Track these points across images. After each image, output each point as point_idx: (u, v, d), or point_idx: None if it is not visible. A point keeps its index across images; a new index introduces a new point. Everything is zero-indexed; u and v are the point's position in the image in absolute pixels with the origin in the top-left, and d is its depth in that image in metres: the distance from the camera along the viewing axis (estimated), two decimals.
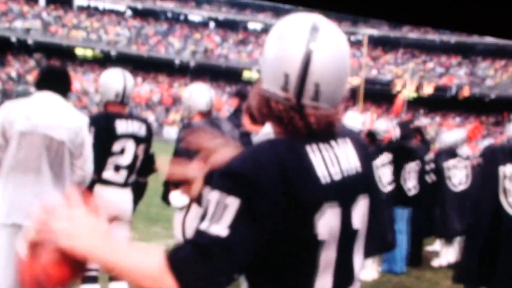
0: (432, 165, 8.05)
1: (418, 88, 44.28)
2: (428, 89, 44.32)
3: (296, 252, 1.44)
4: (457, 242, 7.81)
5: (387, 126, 7.21)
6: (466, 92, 43.21)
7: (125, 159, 4.34)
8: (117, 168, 4.28)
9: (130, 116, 4.48)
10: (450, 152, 7.93)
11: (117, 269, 1.37)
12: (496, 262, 4.84)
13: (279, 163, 1.40)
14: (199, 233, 1.36)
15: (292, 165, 1.42)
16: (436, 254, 8.50)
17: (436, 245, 8.84)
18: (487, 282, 4.96)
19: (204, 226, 1.36)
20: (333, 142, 1.54)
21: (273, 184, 1.37)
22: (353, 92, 42.54)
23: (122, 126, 4.27)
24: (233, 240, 1.33)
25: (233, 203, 1.35)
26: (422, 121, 38.58)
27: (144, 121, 4.61)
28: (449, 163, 7.83)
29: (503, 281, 4.88)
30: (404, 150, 7.18)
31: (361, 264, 1.63)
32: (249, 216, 1.34)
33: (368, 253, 6.24)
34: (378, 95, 44.02)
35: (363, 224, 1.60)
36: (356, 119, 6.53)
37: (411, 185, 7.27)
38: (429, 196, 8.09)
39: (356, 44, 46.46)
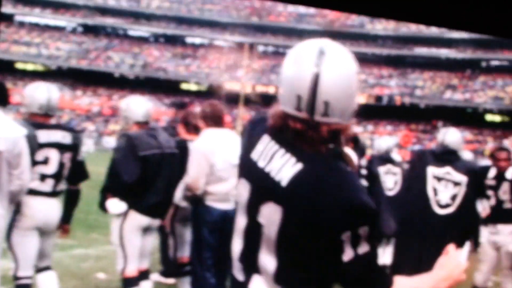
0: (365, 171, 8.22)
1: None
2: (360, 99, 45.19)
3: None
4: (389, 244, 8.02)
5: None
6: (397, 102, 44.43)
7: (50, 168, 4.27)
8: (42, 177, 4.21)
9: (54, 126, 4.41)
10: (383, 158, 8.12)
11: None
12: (423, 259, 4.98)
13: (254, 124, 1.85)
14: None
15: (251, 134, 1.80)
16: None
17: None
18: None
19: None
20: (282, 149, 1.68)
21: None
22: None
23: (44, 135, 4.20)
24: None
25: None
26: (355, 129, 39.36)
27: (71, 129, 4.54)
28: (382, 169, 8.01)
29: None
30: (337, 156, 7.31)
31: (269, 264, 1.68)
32: None
33: None
34: None
35: (270, 227, 1.66)
36: None
37: None
38: None
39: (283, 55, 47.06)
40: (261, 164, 1.69)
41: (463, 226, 5.27)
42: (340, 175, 1.67)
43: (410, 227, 5.22)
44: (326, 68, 1.60)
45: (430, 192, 5.20)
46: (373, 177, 7.97)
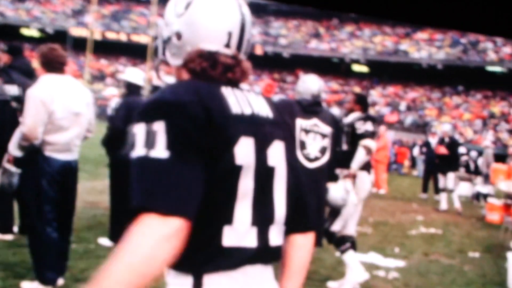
0: None
1: None
2: None
3: (216, 179, 1.59)
4: None
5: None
6: (259, 51, 45.29)
7: None
8: None
9: None
10: None
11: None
12: None
13: (197, 92, 1.61)
14: (140, 162, 1.49)
15: (210, 97, 1.63)
16: None
17: None
18: None
19: (141, 153, 1.49)
20: (244, 89, 1.79)
21: (193, 106, 1.56)
22: (142, 50, 42.63)
23: None
24: (174, 159, 1.49)
25: (159, 127, 1.51)
26: None
27: None
28: None
29: None
30: None
31: (283, 207, 1.78)
32: (178, 134, 1.51)
33: None
34: None
35: (280, 167, 1.78)
36: (137, 75, 6.67)
37: None
38: None
39: (145, 3, 46.42)
40: (247, 111, 1.71)
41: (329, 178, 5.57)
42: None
43: None
44: (244, 8, 1.82)
45: (298, 146, 5.26)
46: None
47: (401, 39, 45.44)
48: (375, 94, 43.71)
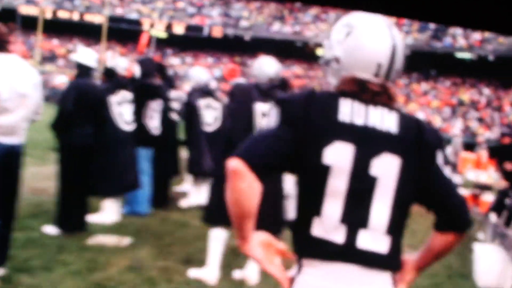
0: (177, 104, 8.55)
1: (168, 27, 45.33)
2: (178, 29, 45.53)
3: (306, 174, 2.03)
4: (207, 183, 8.32)
5: (126, 63, 7.45)
6: (218, 33, 45.20)
7: None
8: None
9: None
10: (203, 91, 8.41)
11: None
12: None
13: (309, 97, 2.06)
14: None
15: (318, 102, 2.04)
16: (184, 195, 9.11)
17: (185, 186, 9.46)
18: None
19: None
20: (370, 104, 2.07)
21: (298, 105, 2.03)
22: (96, 30, 42.19)
23: None
24: (274, 127, 2.04)
25: (275, 112, 2.08)
26: (172, 60, 39.70)
27: None
28: (202, 102, 8.31)
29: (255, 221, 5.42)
30: (145, 88, 7.56)
31: (386, 218, 2.04)
32: (283, 118, 2.03)
33: (106, 194, 6.51)
34: (124, 34, 44.25)
35: (387, 178, 2.03)
36: (90, 56, 6.60)
37: (154, 124, 7.68)
38: (175, 135, 8.63)
39: None
40: (358, 122, 2.02)
41: None
42: (417, 116, 2.26)
43: None
44: (397, 40, 2.13)
45: (257, 130, 5.26)
46: (191, 111, 8.28)
47: None
48: None
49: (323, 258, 2.00)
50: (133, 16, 47.04)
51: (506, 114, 36.35)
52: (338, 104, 2.03)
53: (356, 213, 2.01)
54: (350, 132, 2.00)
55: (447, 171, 2.13)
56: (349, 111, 2.03)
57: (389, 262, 2.06)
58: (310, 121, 2.00)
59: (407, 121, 2.11)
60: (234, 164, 1.95)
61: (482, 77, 40.11)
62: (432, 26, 42.06)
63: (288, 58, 45.26)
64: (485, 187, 12.29)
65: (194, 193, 8.75)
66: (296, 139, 1.99)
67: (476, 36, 40.77)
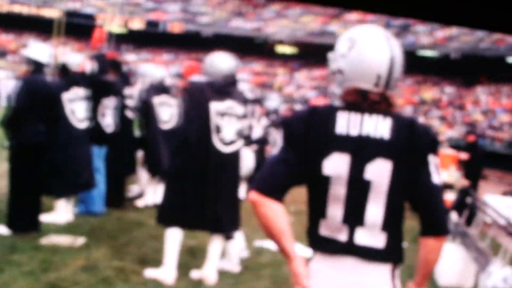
0: (132, 101, 8.54)
1: (126, 23, 45.02)
2: (136, 24, 45.29)
3: (312, 184, 2.41)
4: (162, 182, 8.31)
5: (79, 59, 7.40)
6: (177, 29, 45.04)
7: None
8: None
9: None
10: (159, 88, 8.43)
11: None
12: (203, 202, 5.37)
13: (310, 114, 2.40)
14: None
15: (318, 118, 2.37)
16: (140, 194, 9.08)
17: (140, 185, 9.39)
18: (193, 223, 5.49)
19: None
20: (366, 113, 2.36)
21: (299, 124, 2.39)
22: (49, 25, 41.61)
23: None
24: (280, 152, 2.41)
25: (281, 134, 2.46)
26: (129, 57, 39.41)
27: None
28: (157, 99, 8.32)
29: (210, 222, 5.46)
30: (98, 85, 7.51)
31: (380, 216, 2.36)
32: (287, 140, 2.41)
33: (60, 193, 6.48)
34: (80, 28, 43.79)
35: (380, 181, 2.34)
36: (42, 51, 6.55)
37: (108, 122, 7.68)
38: (130, 133, 8.63)
39: None
40: (353, 132, 2.35)
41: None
42: (414, 118, 2.47)
43: (191, 166, 5.37)
44: (396, 51, 2.39)
45: (213, 130, 5.33)
46: (147, 109, 8.25)
47: (330, 19, 46.01)
48: (300, 77, 44.20)
49: (330, 252, 2.39)
50: (90, 10, 46.60)
51: (468, 112, 36.91)
52: (335, 118, 2.37)
53: (354, 214, 2.36)
54: (346, 143, 2.34)
55: (436, 177, 2.39)
56: (346, 123, 2.36)
57: (386, 256, 2.39)
58: (311, 136, 2.36)
59: (401, 126, 2.38)
60: (252, 196, 2.35)
61: (445, 75, 40.60)
62: (396, 23, 42.48)
63: (248, 55, 45.30)
64: (446, 186, 12.52)
65: (150, 192, 8.74)
66: (300, 156, 2.37)
67: (440, 33, 41.29)
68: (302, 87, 42.17)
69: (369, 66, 2.38)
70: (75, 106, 6.99)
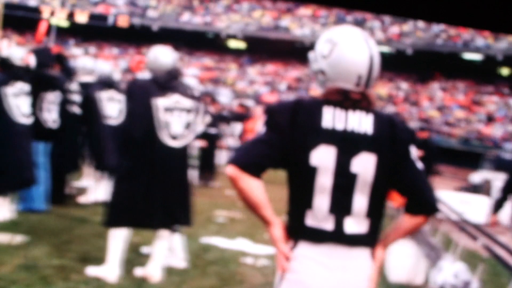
0: (77, 96, 8.49)
1: (70, 16, 44.49)
2: (81, 18, 44.79)
3: (299, 173, 2.52)
4: (108, 179, 8.25)
5: (23, 53, 7.32)
6: (125, 23, 44.69)
7: None
8: None
9: None
10: (105, 83, 8.41)
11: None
12: (153, 200, 5.40)
13: (296, 105, 2.53)
14: None
15: (304, 110, 2.51)
16: (83, 190, 9.03)
17: (84, 182, 9.37)
18: (142, 222, 5.51)
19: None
20: (350, 110, 2.52)
21: (285, 113, 2.51)
22: None
23: None
24: (262, 134, 2.54)
25: (263, 120, 2.61)
26: (75, 51, 38.96)
27: None
28: (104, 95, 8.31)
29: (160, 220, 5.49)
30: (41, 79, 7.48)
31: (365, 205, 2.54)
32: (270, 125, 2.53)
33: (0, 190, 6.38)
34: (22, 22, 43.14)
35: (365, 173, 2.51)
36: None
37: (51, 117, 7.64)
38: (74, 128, 8.56)
39: None
40: (339, 127, 2.50)
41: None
42: (391, 114, 2.71)
43: (139, 164, 5.39)
44: (374, 51, 2.54)
45: (161, 125, 5.36)
46: (91, 104, 8.23)
47: (282, 14, 46.16)
48: (252, 72, 44.27)
49: (316, 241, 2.52)
50: (32, 3, 45.90)
51: (423, 108, 37.50)
52: (321, 111, 2.51)
53: (341, 204, 2.52)
54: (333, 137, 2.49)
55: (419, 164, 2.62)
56: (331, 117, 2.51)
57: (367, 240, 2.58)
58: (297, 127, 2.50)
59: (381, 122, 2.57)
60: (229, 170, 2.49)
61: (400, 71, 41.11)
62: (349, 18, 42.80)
63: (198, 50, 45.26)
64: None
65: (94, 189, 8.73)
66: (284, 144, 2.50)
67: (394, 29, 41.81)
68: (254, 83, 42.25)
69: (350, 67, 2.53)
70: (20, 101, 6.90)
